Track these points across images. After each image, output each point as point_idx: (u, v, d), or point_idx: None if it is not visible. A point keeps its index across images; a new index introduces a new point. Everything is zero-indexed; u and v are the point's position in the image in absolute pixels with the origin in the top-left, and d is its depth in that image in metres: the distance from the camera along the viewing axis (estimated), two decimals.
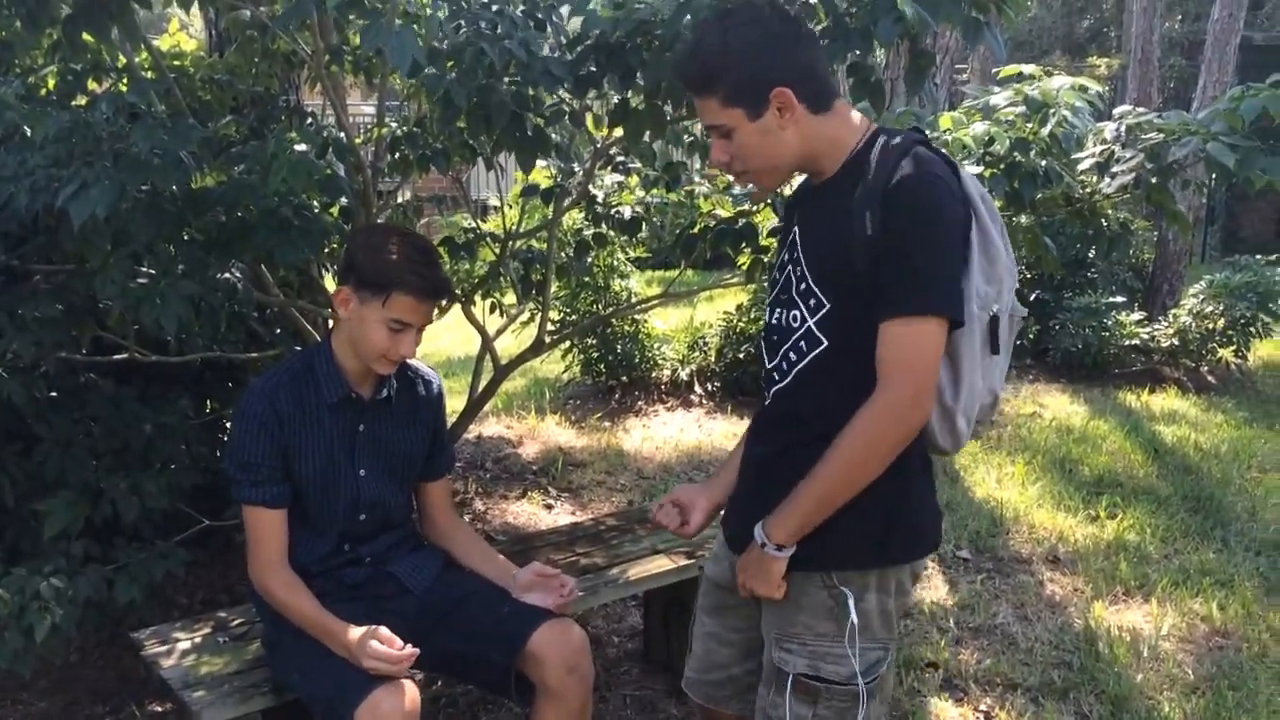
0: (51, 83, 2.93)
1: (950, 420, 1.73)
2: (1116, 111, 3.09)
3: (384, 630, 2.04)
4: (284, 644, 2.18)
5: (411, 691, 2.01)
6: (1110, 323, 7.14)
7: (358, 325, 2.15)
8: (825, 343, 1.73)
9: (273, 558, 2.17)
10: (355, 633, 2.04)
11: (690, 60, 1.73)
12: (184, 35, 3.60)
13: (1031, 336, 7.38)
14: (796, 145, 1.73)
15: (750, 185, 1.89)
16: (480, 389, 3.83)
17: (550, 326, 4.49)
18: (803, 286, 1.76)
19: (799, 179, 1.96)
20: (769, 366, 1.84)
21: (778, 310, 1.82)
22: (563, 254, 4.23)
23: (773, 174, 1.79)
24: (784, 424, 1.82)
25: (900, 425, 1.65)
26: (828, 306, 1.72)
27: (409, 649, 2.02)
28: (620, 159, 3.75)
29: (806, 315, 1.75)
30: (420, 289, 2.12)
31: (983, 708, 3.06)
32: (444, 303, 2.25)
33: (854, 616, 1.74)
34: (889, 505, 1.73)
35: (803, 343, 1.76)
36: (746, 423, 1.96)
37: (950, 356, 1.68)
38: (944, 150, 1.80)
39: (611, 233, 4.00)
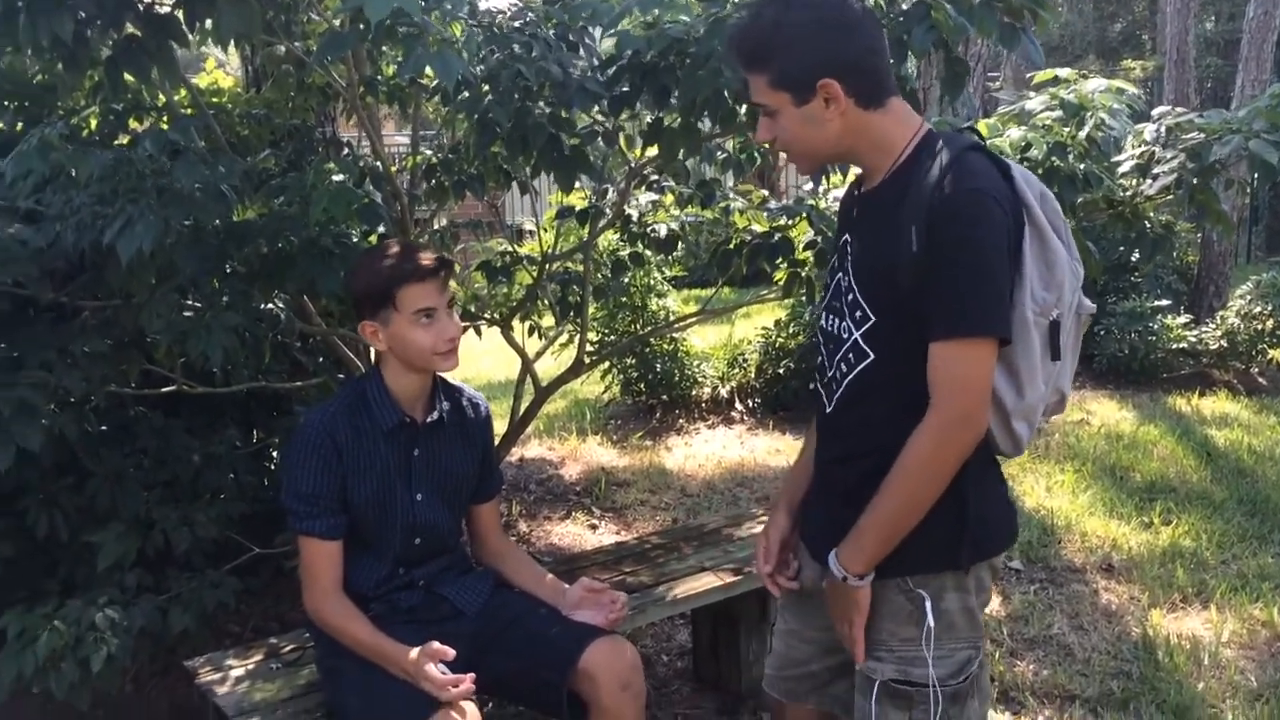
0: (94, 123, 2.98)
1: (1007, 426, 1.71)
2: (1155, 112, 3.06)
3: (435, 645, 2.04)
4: (342, 670, 2.19)
5: (473, 712, 2.02)
6: (1156, 326, 7.04)
7: (397, 344, 2.17)
8: (872, 355, 1.72)
9: (329, 587, 2.19)
10: (413, 653, 2.05)
11: (744, 36, 1.71)
12: (221, 73, 3.65)
13: None
14: (839, 138, 1.71)
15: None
16: (521, 411, 3.84)
17: (589, 347, 4.49)
18: (850, 297, 1.75)
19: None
20: (827, 375, 1.83)
21: (831, 317, 1.82)
22: (599, 275, 4.24)
23: (810, 159, 1.79)
24: (842, 433, 1.82)
25: (954, 445, 1.64)
26: (873, 320, 1.71)
27: (465, 678, 2.02)
28: (654, 178, 3.76)
29: (853, 328, 1.74)
30: (416, 272, 2.13)
31: None
32: (452, 278, 2.25)
33: (930, 619, 1.73)
34: (955, 506, 1.70)
35: (851, 355, 1.75)
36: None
37: (1009, 365, 1.67)
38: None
39: (648, 252, 4.01)
